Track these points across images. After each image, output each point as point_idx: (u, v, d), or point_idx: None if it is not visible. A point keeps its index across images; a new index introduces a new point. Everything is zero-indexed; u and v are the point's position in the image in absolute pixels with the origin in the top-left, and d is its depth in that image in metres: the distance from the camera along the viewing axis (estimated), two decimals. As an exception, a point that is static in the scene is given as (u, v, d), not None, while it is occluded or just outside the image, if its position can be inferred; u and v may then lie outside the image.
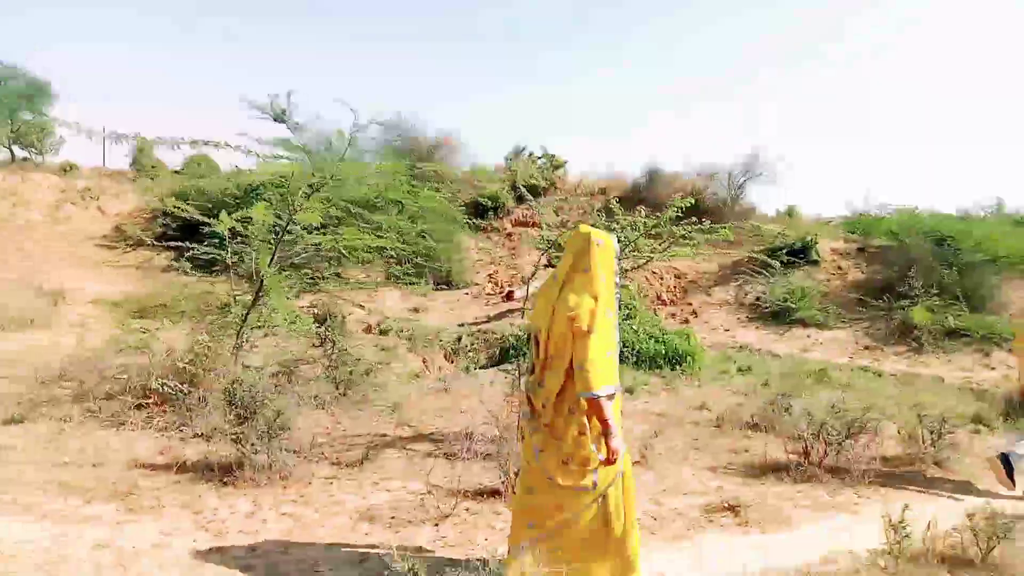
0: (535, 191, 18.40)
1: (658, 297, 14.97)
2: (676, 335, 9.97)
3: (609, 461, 2.93)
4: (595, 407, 2.89)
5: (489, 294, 14.90)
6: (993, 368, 11.77)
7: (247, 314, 6.81)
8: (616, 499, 3.06)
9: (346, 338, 7.71)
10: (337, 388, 6.65)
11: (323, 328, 7.43)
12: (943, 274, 13.78)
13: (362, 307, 7.49)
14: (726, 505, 4.32)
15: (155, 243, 10.58)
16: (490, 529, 3.89)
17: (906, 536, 3.30)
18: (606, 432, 2.93)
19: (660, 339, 9.59)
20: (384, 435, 5.69)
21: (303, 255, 7.91)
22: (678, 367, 9.17)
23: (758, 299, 14.58)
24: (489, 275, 15.95)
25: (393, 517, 3.95)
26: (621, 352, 9.36)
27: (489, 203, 17.73)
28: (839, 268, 15.64)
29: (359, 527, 3.84)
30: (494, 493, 4.27)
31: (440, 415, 6.53)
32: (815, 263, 15.61)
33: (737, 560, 3.60)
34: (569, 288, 3.04)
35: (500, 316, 13.35)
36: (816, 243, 15.67)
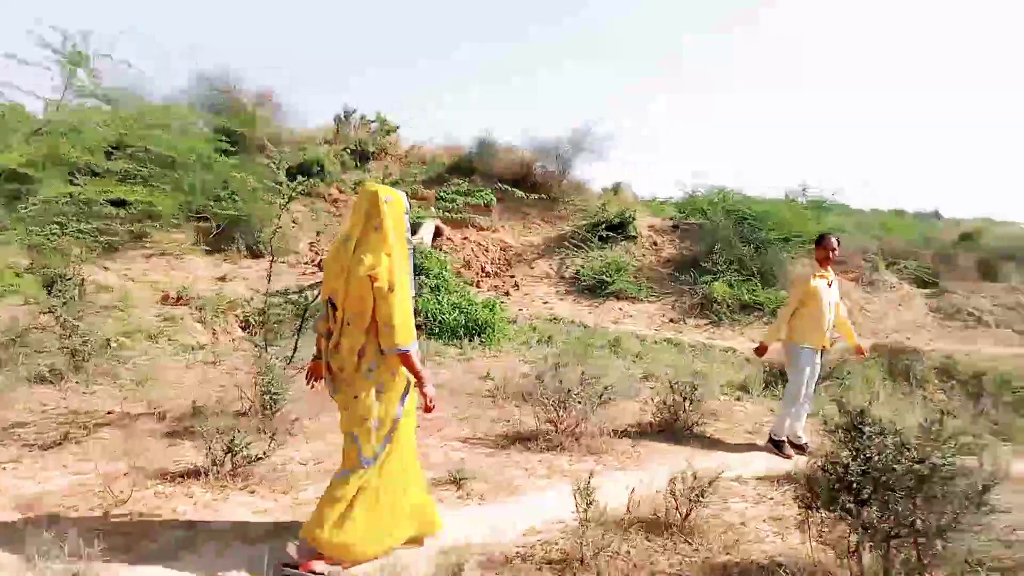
0: (365, 156, 17.80)
1: (482, 268, 14.93)
2: (482, 305, 9.92)
3: (427, 408, 3.09)
4: (406, 360, 3.03)
5: (306, 263, 14.22)
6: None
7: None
8: (391, 457, 3.18)
9: (81, 304, 6.87)
10: (74, 360, 5.93)
11: (50, 293, 6.58)
12: (743, 251, 14.75)
13: (106, 268, 6.67)
14: (451, 478, 4.21)
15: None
16: (173, 515, 3.51)
17: (592, 503, 3.29)
18: (420, 382, 3.08)
19: (463, 309, 9.49)
20: (110, 412, 5.12)
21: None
22: (478, 337, 9.12)
23: (577, 273, 14.92)
24: (311, 244, 15.23)
25: (59, 505, 3.47)
26: (424, 323, 9.20)
27: (316, 167, 16.88)
28: (655, 244, 16.34)
29: (11, 516, 3.34)
30: (196, 474, 3.88)
31: (195, 391, 6.01)
32: (633, 239, 16.21)
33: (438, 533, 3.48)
34: (363, 248, 3.03)
35: (316, 286, 12.76)
36: (634, 219, 16.25)
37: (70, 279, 7.42)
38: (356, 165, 17.66)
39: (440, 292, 10.01)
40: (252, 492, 3.80)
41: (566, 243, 15.82)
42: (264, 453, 3.86)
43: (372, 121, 18.98)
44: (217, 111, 17.00)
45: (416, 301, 9.44)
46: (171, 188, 14.03)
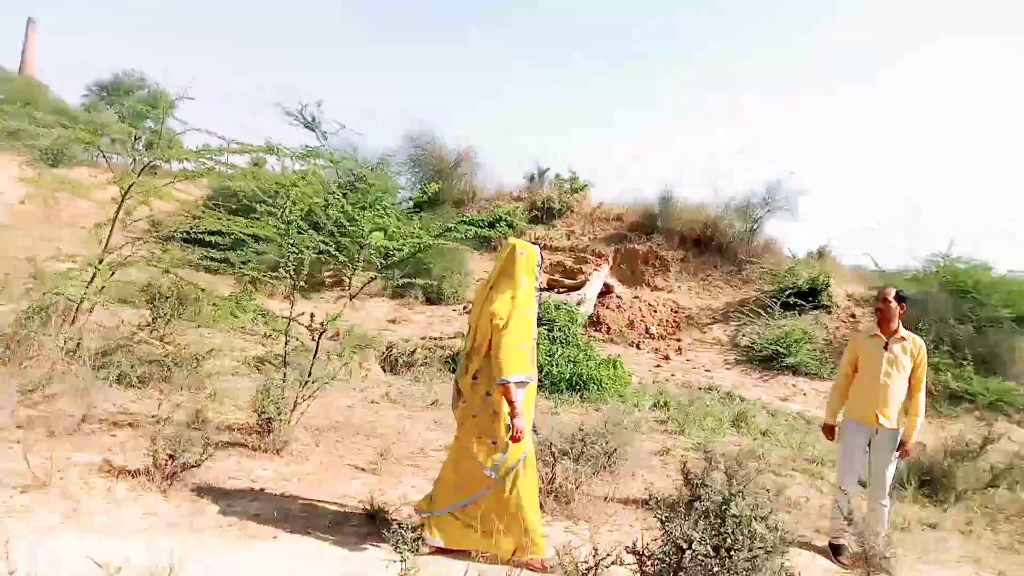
0: (551, 213, 18.21)
1: (646, 329, 14.32)
2: (601, 364, 9.49)
3: (514, 438, 3.48)
4: (505, 390, 3.45)
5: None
6: (993, 441, 10.44)
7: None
8: (518, 480, 3.57)
9: (180, 320, 7.65)
10: (161, 370, 6.49)
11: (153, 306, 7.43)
12: (958, 331, 12.44)
13: (203, 289, 7.43)
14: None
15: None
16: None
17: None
18: (512, 412, 3.46)
19: (577, 363, 9.16)
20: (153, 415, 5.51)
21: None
22: (581, 392, 8.73)
23: (753, 342, 13.65)
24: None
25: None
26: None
27: (502, 223, 17.64)
28: (852, 316, 14.42)
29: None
30: (134, 473, 4.08)
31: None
32: (826, 308, 14.47)
33: None
34: (496, 290, 3.66)
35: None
36: (827, 286, 14.53)
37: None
38: (542, 221, 18.12)
39: (560, 344, 9.76)
40: (164, 493, 3.92)
41: (746, 309, 14.59)
42: (196, 463, 4.00)
43: (565, 180, 19.41)
44: (421, 166, 18.64)
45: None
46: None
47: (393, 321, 13.82)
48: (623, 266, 16.56)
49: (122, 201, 6.71)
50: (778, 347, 12.95)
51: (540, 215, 18.19)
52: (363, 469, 4.91)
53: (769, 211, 16.32)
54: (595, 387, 8.78)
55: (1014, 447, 10.19)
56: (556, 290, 15.08)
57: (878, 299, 4.81)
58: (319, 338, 5.47)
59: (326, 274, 15.95)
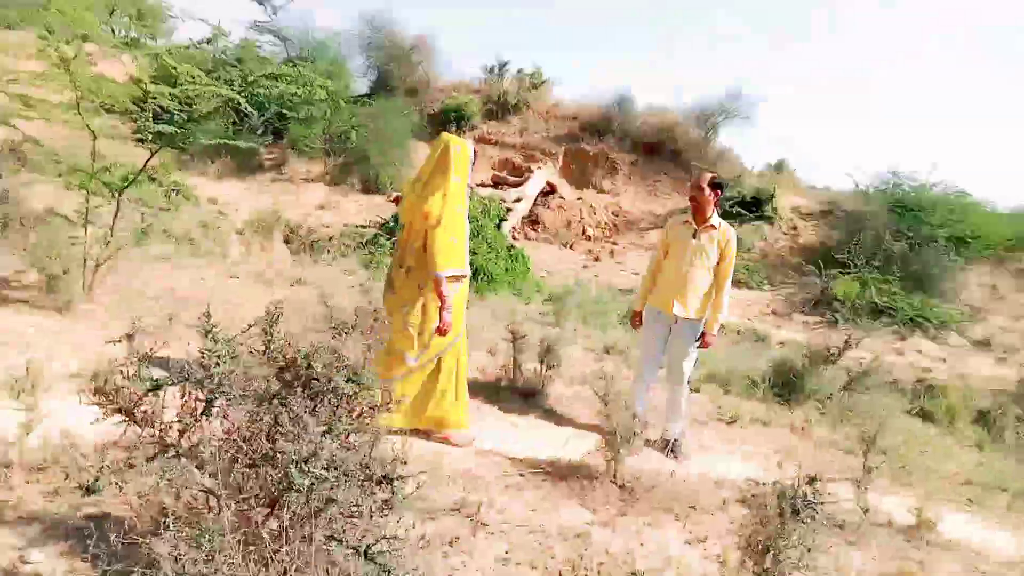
0: (507, 108, 17.56)
1: (583, 231, 14.03)
2: (505, 257, 9.26)
3: (440, 330, 3.66)
4: (436, 283, 3.61)
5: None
6: (901, 354, 10.38)
7: None
8: (448, 364, 3.79)
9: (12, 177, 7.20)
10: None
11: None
12: (893, 247, 12.19)
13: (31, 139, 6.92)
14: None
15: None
16: None
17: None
18: (441, 305, 3.63)
19: (473, 254, 8.92)
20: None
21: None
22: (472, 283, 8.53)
23: (688, 248, 13.37)
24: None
25: None
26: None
27: (452, 115, 17.01)
28: (794, 228, 14.12)
29: None
30: None
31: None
32: (768, 219, 14.14)
33: None
34: (429, 187, 3.70)
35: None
36: (773, 197, 14.14)
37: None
38: (497, 116, 17.49)
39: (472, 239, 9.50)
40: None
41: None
42: None
43: (531, 74, 18.59)
44: (375, 49, 17.81)
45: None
46: (302, 121, 15.21)
47: (322, 207, 13.49)
48: (573, 166, 16.09)
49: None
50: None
51: (495, 110, 17.52)
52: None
53: (726, 117, 15.67)
54: (486, 279, 8.57)
55: (921, 360, 10.23)
56: (500, 187, 14.69)
57: (691, 186, 4.48)
58: (119, 197, 5.15)
59: (265, 157, 15.50)
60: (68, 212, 5.91)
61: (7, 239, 5.42)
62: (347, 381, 2.07)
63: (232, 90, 5.28)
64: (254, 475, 1.62)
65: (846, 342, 6.55)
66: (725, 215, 13.73)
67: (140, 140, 15.25)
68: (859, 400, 6.37)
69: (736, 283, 12.55)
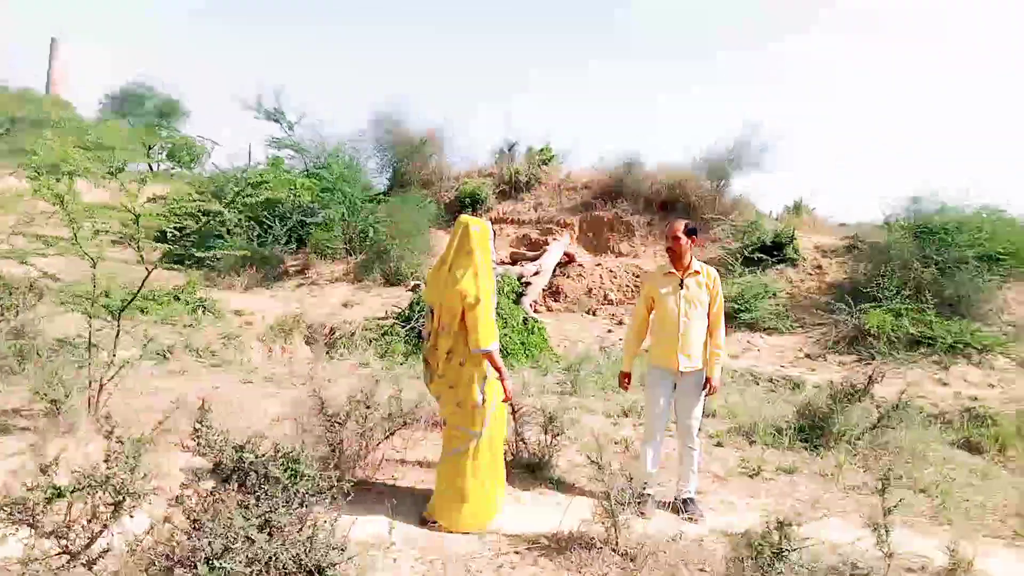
0: (519, 187, 17.93)
1: (604, 296, 14.00)
2: (520, 329, 9.28)
3: (506, 399, 3.87)
4: (491, 358, 3.76)
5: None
6: (946, 384, 9.94)
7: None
8: (488, 436, 3.86)
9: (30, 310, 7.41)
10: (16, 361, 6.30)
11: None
12: (923, 274, 11.86)
13: (46, 274, 7.15)
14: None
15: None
16: None
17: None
18: (501, 377, 3.82)
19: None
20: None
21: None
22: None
23: (713, 300, 13.18)
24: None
25: None
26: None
27: (468, 200, 17.43)
28: (818, 267, 13.86)
29: None
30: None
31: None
32: (791, 261, 13.94)
33: None
34: (456, 267, 3.81)
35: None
36: (793, 239, 13.98)
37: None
38: (510, 195, 17.86)
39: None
40: None
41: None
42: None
43: (540, 150, 19.06)
44: (389, 148, 18.51)
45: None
46: (321, 225, 15.74)
47: (346, 304, 13.75)
48: (589, 234, 16.23)
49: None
50: (735, 304, 12.52)
51: (508, 189, 17.91)
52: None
53: (736, 167, 15.72)
54: (502, 353, 8.55)
55: (968, 388, 9.75)
56: (518, 263, 14.86)
57: (667, 236, 4.49)
58: (119, 317, 5.34)
59: (290, 263, 16.00)
60: (82, 339, 6.16)
61: (24, 371, 5.64)
62: (285, 471, 2.09)
63: (223, 204, 5.51)
64: (168, 579, 1.63)
65: (870, 377, 6.30)
66: (747, 262, 13.69)
67: (172, 263, 15.92)
68: (893, 437, 6.09)
69: (766, 330, 12.33)
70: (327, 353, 10.34)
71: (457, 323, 3.76)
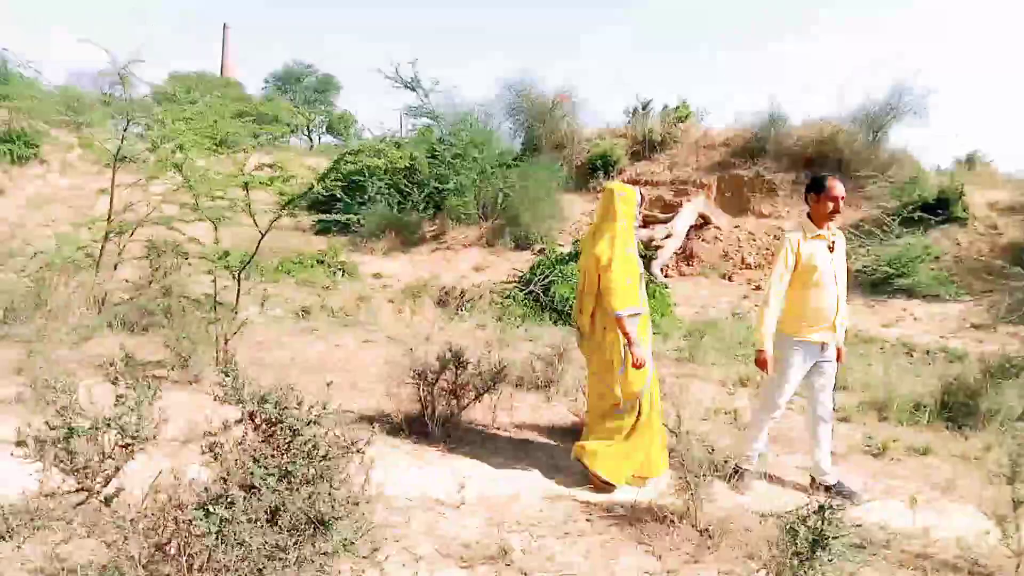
0: (653, 146, 17.30)
1: (743, 260, 13.25)
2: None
3: (635, 365, 3.73)
4: (619, 323, 3.72)
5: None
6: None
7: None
8: (647, 404, 3.86)
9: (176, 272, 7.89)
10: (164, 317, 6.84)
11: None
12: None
13: (193, 239, 7.66)
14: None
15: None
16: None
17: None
18: (629, 343, 3.73)
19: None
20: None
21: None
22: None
23: (865, 265, 12.10)
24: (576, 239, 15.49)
25: None
26: (551, 306, 8.83)
27: (599, 162, 17.05)
28: (993, 227, 12.27)
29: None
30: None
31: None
32: (960, 220, 12.45)
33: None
34: (598, 233, 3.92)
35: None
36: (962, 195, 12.44)
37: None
38: (644, 156, 17.27)
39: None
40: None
41: (869, 228, 12.87)
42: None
43: (675, 108, 18.26)
44: (519, 112, 18.49)
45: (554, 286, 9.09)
46: (454, 192, 16.06)
47: (477, 268, 14.00)
48: (728, 195, 15.35)
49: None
50: (889, 268, 11.42)
51: (641, 150, 17.30)
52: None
53: (893, 117, 14.18)
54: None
55: None
56: (649, 226, 14.40)
57: (830, 194, 3.84)
58: (239, 277, 5.68)
59: (427, 230, 16.51)
60: (220, 297, 6.68)
61: (170, 327, 6.19)
62: (308, 423, 2.09)
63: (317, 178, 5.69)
64: (172, 523, 1.68)
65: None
66: (906, 222, 12.38)
67: (320, 231, 16.84)
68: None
69: (926, 297, 11.16)
70: (453, 315, 10.60)
71: (595, 287, 3.81)
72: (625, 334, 3.72)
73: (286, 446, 1.99)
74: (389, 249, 15.43)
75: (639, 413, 3.84)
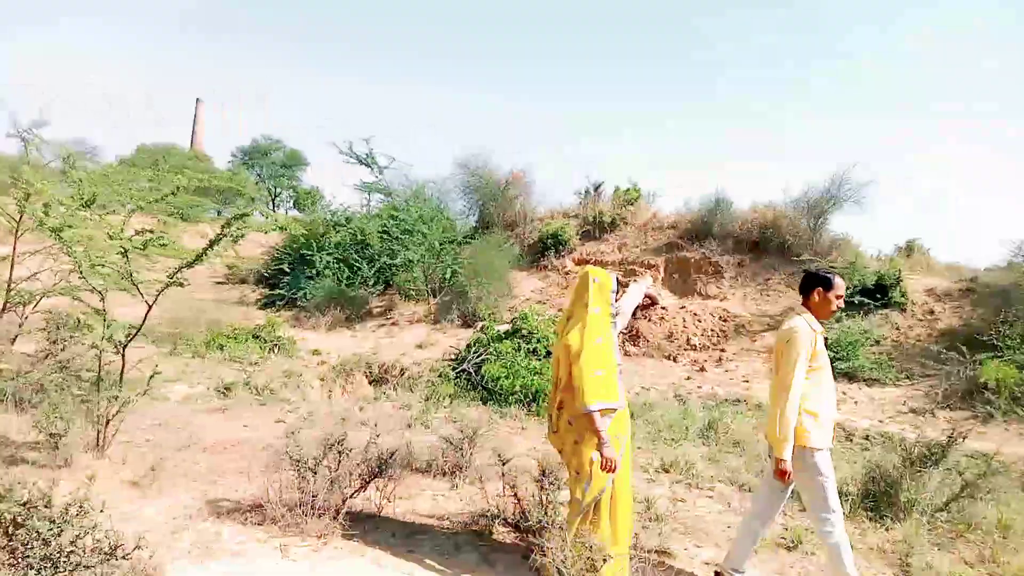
0: (603, 227, 17.50)
1: (687, 341, 13.19)
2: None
3: (604, 467, 3.36)
4: (588, 420, 3.37)
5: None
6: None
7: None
8: (604, 506, 3.47)
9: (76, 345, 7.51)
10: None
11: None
12: (1051, 321, 10.36)
13: (98, 312, 7.35)
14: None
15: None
16: None
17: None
18: (599, 442, 3.36)
19: (539, 374, 8.53)
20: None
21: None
22: (532, 405, 8.10)
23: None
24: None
25: None
26: (482, 384, 8.55)
27: (550, 241, 17.16)
28: (930, 312, 12.44)
29: None
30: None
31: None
32: (899, 306, 12.61)
33: None
34: (572, 321, 3.62)
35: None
36: (899, 281, 12.66)
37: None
38: (594, 236, 17.44)
39: (541, 358, 9.13)
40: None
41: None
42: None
43: (624, 191, 18.60)
44: (473, 191, 18.66)
45: (488, 365, 8.84)
46: (402, 267, 15.94)
47: (420, 345, 13.71)
48: (675, 276, 15.47)
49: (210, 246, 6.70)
50: (831, 351, 11.41)
51: (592, 230, 17.49)
52: (135, 483, 4.65)
53: (833, 205, 14.56)
54: (546, 400, 8.11)
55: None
56: (597, 306, 14.37)
57: (837, 293, 3.73)
58: (123, 350, 5.35)
59: (375, 305, 16.27)
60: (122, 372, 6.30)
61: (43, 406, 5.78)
62: (59, 525, 1.81)
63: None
64: None
65: (950, 436, 5.35)
66: (845, 307, 12.49)
67: (264, 305, 16.38)
68: (985, 510, 5.11)
69: (866, 380, 11.14)
70: (379, 394, 10.23)
71: (566, 378, 3.52)
72: (595, 431, 3.36)
73: (24, 553, 1.70)
74: (333, 324, 15.12)
75: (598, 515, 3.45)
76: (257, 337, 12.26)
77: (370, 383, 10.62)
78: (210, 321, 13.35)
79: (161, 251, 5.00)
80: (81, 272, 4.81)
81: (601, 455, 3.35)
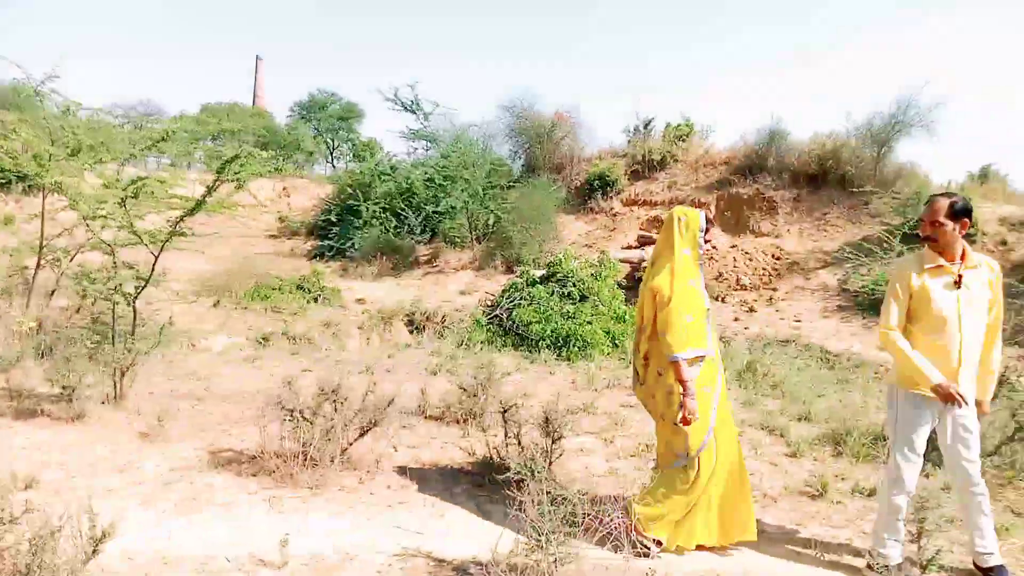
0: (653, 165, 16.87)
1: (737, 280, 12.68)
2: (611, 318, 8.54)
3: (683, 420, 3.19)
4: (675, 369, 3.21)
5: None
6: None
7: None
8: (707, 463, 3.29)
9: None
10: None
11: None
12: None
13: (130, 267, 7.43)
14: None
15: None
16: None
17: None
18: (684, 392, 3.19)
19: (571, 318, 8.31)
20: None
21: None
22: (563, 350, 7.91)
23: (863, 285, 11.46)
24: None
25: None
26: (514, 329, 8.42)
27: (597, 182, 16.66)
28: (1003, 243, 11.55)
29: None
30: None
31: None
32: (968, 236, 11.72)
33: None
34: (657, 264, 3.44)
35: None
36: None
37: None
38: (643, 175, 16.85)
39: (570, 301, 8.88)
40: None
41: (870, 248, 12.21)
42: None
43: (675, 127, 17.82)
44: (518, 133, 18.23)
45: (518, 309, 8.67)
46: (446, 214, 15.81)
47: (464, 292, 13.66)
48: (727, 213, 14.83)
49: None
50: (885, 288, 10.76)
51: (641, 169, 16.88)
52: (145, 434, 4.69)
53: (899, 131, 13.54)
54: (577, 345, 7.90)
55: None
56: (644, 247, 13.98)
57: (926, 222, 3.44)
58: (134, 303, 5.38)
59: (422, 254, 16.25)
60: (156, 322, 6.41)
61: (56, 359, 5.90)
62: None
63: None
64: None
65: (1003, 376, 4.90)
66: (907, 239, 11.71)
67: (314, 256, 16.57)
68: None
69: (927, 318, 10.48)
70: (414, 342, 10.21)
71: (651, 325, 3.36)
72: (681, 381, 3.18)
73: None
74: (380, 273, 15.19)
75: (698, 472, 3.27)
76: (301, 288, 12.40)
77: (410, 331, 10.63)
78: (260, 274, 13.56)
79: (153, 200, 4.95)
80: (88, 225, 4.82)
81: (684, 405, 3.16)
